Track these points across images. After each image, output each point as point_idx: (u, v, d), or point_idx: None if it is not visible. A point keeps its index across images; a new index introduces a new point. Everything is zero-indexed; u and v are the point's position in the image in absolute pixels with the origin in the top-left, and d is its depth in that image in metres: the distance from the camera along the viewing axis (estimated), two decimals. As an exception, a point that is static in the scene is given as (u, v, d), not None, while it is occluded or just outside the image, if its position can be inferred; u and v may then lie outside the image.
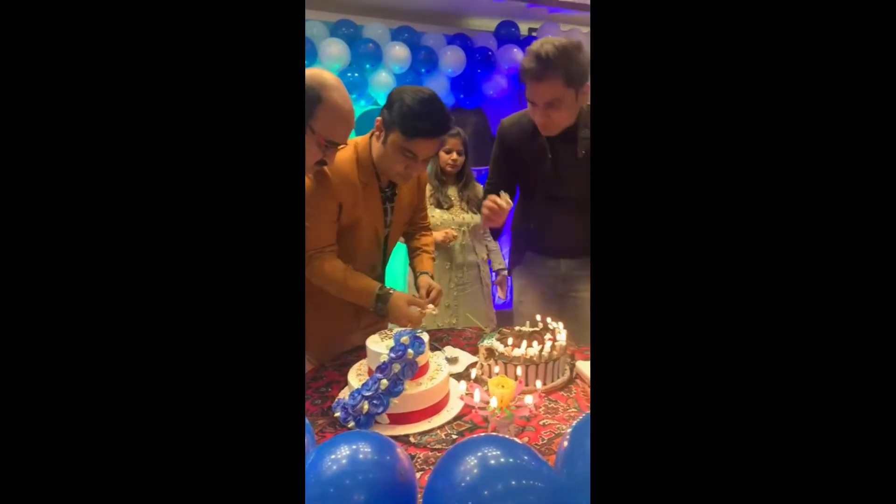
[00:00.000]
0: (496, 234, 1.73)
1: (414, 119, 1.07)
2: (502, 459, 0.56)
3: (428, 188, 1.91)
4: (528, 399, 0.84)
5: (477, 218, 2.01)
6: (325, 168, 1.08)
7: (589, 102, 1.27)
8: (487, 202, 1.19)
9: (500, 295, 2.23)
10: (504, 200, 1.17)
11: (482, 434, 0.76)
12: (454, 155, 1.96)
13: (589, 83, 1.20)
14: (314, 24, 2.55)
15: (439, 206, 1.98)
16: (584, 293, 1.44)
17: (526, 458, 0.57)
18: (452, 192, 2.03)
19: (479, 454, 0.56)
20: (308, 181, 1.12)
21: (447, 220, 1.99)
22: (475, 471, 0.54)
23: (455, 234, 1.96)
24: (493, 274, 2.19)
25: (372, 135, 1.20)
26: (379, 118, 1.15)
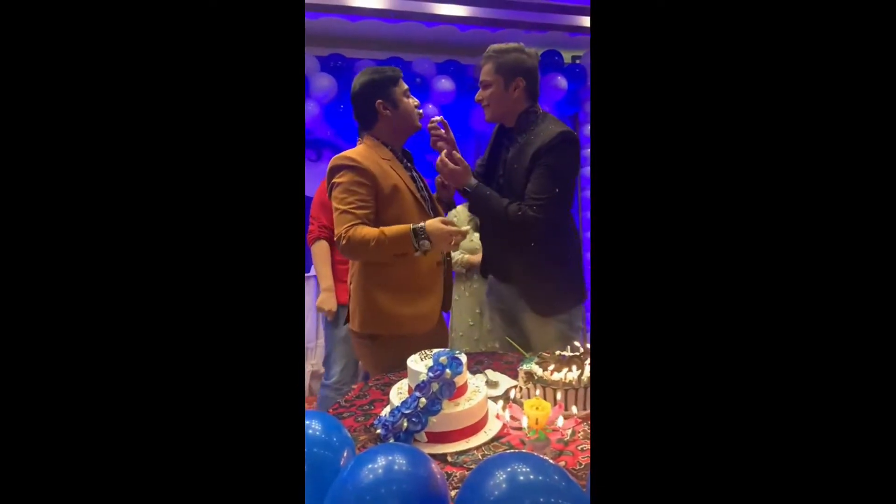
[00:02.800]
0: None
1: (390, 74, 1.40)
2: (531, 476, 0.57)
3: (464, 217, 1.98)
4: (560, 421, 0.84)
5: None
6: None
7: (523, 105, 1.46)
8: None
9: None
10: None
11: (515, 451, 0.77)
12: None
13: (522, 81, 1.43)
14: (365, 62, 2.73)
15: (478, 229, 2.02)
16: None
17: (556, 477, 0.58)
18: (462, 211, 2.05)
19: (509, 469, 0.58)
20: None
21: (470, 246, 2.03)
22: (503, 486, 0.56)
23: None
24: None
25: (370, 130, 1.42)
26: (379, 101, 1.38)
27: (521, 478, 0.57)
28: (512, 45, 1.46)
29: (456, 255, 1.96)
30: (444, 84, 2.72)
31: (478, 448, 0.93)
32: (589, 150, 2.87)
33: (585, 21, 2.82)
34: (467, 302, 1.99)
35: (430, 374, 0.95)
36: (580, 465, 0.86)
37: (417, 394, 0.94)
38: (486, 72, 1.46)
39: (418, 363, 1.00)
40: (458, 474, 0.85)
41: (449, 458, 0.89)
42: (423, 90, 2.71)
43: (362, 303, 1.39)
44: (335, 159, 1.36)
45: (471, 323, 1.99)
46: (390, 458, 0.62)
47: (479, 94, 1.48)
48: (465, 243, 1.98)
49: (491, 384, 1.21)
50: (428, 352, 1.05)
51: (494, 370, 1.33)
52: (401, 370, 1.18)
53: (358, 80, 1.43)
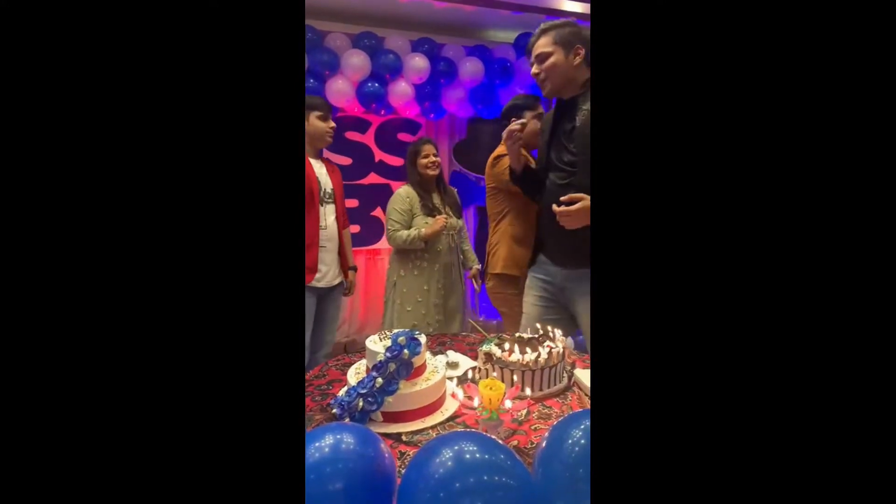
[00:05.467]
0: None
1: None
2: (477, 455, 0.58)
3: (417, 198, 2.02)
4: (508, 403, 0.86)
5: (461, 221, 2.16)
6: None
7: (585, 73, 1.45)
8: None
9: (476, 286, 2.30)
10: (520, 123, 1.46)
11: (462, 430, 0.78)
12: (431, 157, 2.05)
13: (582, 49, 1.42)
14: (337, 35, 2.64)
15: (430, 213, 2.03)
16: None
17: (502, 456, 0.59)
18: (437, 198, 2.11)
19: (456, 448, 0.58)
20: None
21: None
22: (449, 464, 0.56)
23: (446, 220, 2.03)
24: (466, 272, 2.27)
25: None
26: None
27: (467, 456, 0.57)
28: (564, 20, 1.46)
29: (412, 232, 1.97)
30: (418, 62, 2.67)
31: (433, 427, 0.93)
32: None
33: (561, 3, 2.79)
34: (416, 279, 2.02)
35: (388, 355, 0.94)
36: (531, 444, 0.87)
37: (374, 374, 0.93)
38: (542, 44, 1.43)
39: (377, 343, 1.00)
40: (411, 453, 0.85)
41: (404, 438, 0.90)
42: (395, 67, 2.65)
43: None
44: None
45: (419, 299, 2.02)
46: (338, 436, 0.62)
47: (536, 68, 1.45)
48: (419, 221, 2.00)
49: (452, 365, 1.22)
50: (387, 332, 1.04)
51: (457, 351, 1.34)
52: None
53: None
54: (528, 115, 1.82)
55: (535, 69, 1.46)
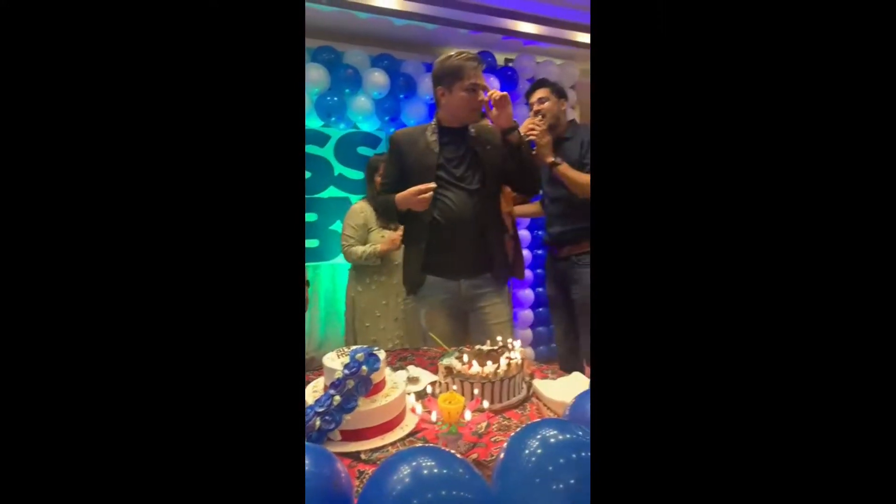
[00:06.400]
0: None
1: None
2: (435, 470, 0.57)
3: (372, 212, 2.01)
4: (468, 415, 0.86)
5: None
6: None
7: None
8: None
9: None
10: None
11: (420, 446, 0.77)
12: None
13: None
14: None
15: (386, 226, 2.03)
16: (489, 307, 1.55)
17: (460, 470, 0.59)
18: None
19: (413, 464, 0.58)
20: None
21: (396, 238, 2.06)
22: (406, 480, 0.55)
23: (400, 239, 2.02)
24: None
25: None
26: None
27: (425, 472, 0.57)
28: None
29: (367, 248, 1.96)
30: (377, 77, 2.68)
31: (393, 444, 0.92)
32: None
33: (516, 25, 2.89)
34: (374, 294, 2.00)
35: (346, 371, 0.92)
36: (492, 456, 0.88)
37: (332, 391, 0.91)
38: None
39: (334, 360, 0.98)
40: (370, 472, 0.83)
41: (363, 456, 0.88)
42: (355, 81, 2.65)
43: None
44: None
45: (377, 314, 2.00)
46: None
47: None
48: (375, 237, 1.99)
49: (412, 380, 1.21)
50: (345, 349, 1.03)
51: (417, 366, 1.33)
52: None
53: None
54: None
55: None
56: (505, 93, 1.51)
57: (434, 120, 1.59)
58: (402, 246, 2.01)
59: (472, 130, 1.57)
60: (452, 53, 1.52)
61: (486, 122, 1.58)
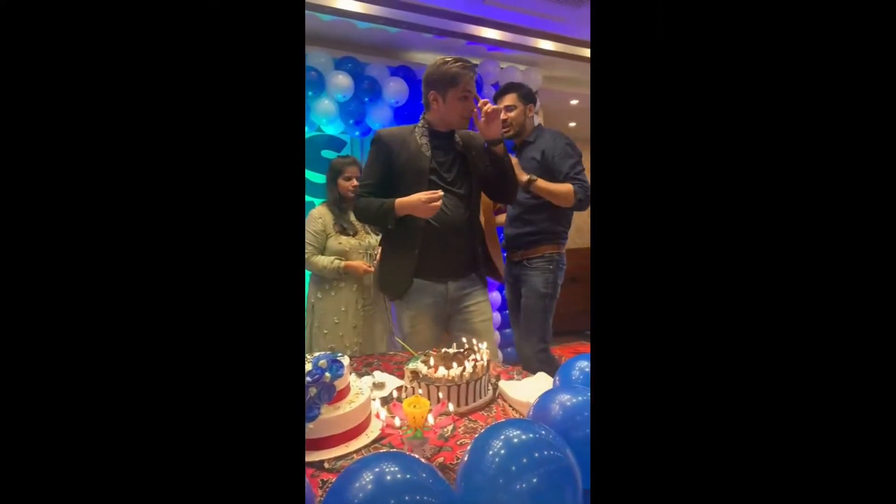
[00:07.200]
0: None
1: None
2: (398, 476, 0.57)
3: (330, 218, 1.99)
4: (430, 419, 0.86)
5: (378, 238, 2.13)
6: None
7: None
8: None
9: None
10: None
11: (382, 451, 0.76)
12: (354, 181, 2.04)
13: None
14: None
15: (344, 232, 2.02)
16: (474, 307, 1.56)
17: (423, 474, 0.58)
18: (353, 216, 2.08)
19: (376, 470, 0.57)
20: None
21: (354, 245, 2.04)
22: (369, 487, 0.55)
23: (371, 268, 2.00)
24: None
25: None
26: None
27: (388, 478, 0.56)
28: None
29: (331, 265, 1.94)
30: (341, 80, 2.65)
31: (357, 452, 0.91)
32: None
33: (480, 31, 2.93)
34: (333, 301, 1.98)
35: (309, 379, 0.90)
36: (457, 460, 0.87)
37: (294, 400, 0.89)
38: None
39: (297, 367, 0.95)
40: (333, 480, 0.82)
41: (326, 465, 0.86)
42: (318, 84, 2.61)
43: None
44: None
45: (336, 321, 1.97)
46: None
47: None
48: (332, 243, 1.98)
49: (378, 385, 1.19)
50: (308, 356, 1.00)
51: (383, 371, 1.32)
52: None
53: None
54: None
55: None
56: (497, 106, 1.52)
57: (422, 122, 1.55)
58: (373, 266, 1.99)
59: (458, 137, 1.57)
60: (449, 59, 1.48)
61: (469, 130, 1.58)
